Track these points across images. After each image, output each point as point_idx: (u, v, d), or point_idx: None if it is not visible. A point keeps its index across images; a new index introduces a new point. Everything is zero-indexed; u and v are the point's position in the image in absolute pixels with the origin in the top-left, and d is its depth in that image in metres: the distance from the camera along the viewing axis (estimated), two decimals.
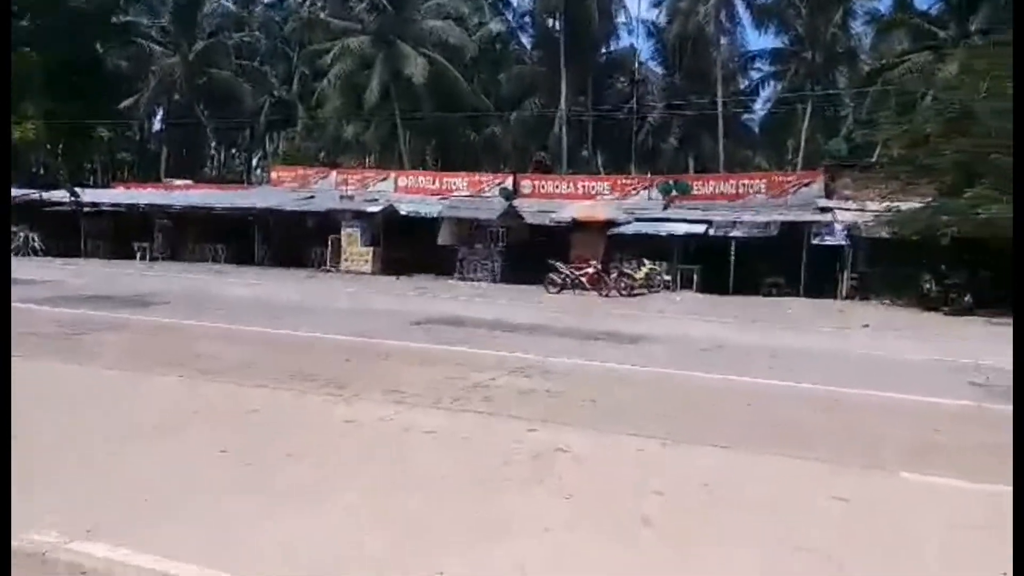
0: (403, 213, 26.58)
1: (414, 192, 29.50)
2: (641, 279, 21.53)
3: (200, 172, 44.68)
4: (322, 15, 40.20)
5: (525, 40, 45.25)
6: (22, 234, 27.52)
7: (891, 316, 17.55)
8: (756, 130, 43.76)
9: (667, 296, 21.26)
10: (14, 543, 3.19)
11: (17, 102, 26.60)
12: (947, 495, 4.69)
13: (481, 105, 38.66)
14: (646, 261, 22.37)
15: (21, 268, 18.81)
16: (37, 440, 4.84)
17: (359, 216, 26.56)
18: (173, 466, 4.64)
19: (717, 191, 26.42)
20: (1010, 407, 7.36)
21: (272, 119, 47.08)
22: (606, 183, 29.19)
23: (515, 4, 45.42)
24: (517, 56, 43.71)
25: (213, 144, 50.87)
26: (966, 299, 18.32)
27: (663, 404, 7.18)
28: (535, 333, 12.03)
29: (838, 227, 22.14)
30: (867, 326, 14.84)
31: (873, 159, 25.64)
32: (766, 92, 41.86)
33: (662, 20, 42.08)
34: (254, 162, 53.42)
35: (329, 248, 26.99)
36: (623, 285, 20.81)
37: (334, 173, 32.25)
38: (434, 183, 30.29)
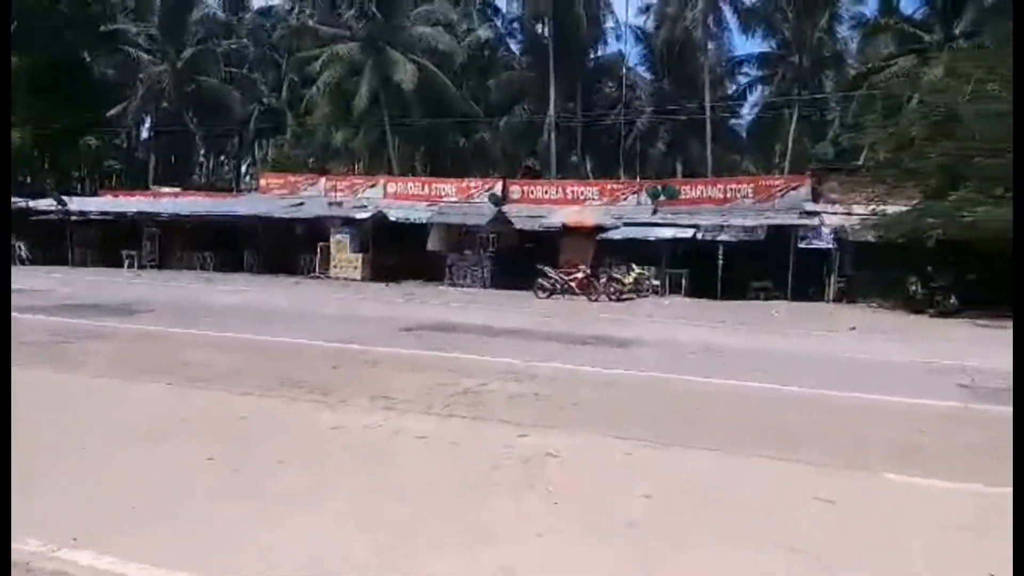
0: (392, 219, 26.56)
1: (403, 198, 29.47)
2: (630, 284, 21.62)
3: (189, 180, 44.46)
4: (311, 22, 40.15)
5: (514, 46, 45.38)
6: None
7: (878, 318, 17.66)
8: (743, 134, 44.01)
9: (656, 300, 21.32)
10: None
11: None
12: (934, 496, 4.73)
13: (470, 111, 38.72)
14: (635, 266, 22.43)
15: None
16: (24, 448, 4.80)
17: (348, 223, 26.51)
18: (161, 473, 4.63)
19: (705, 195, 26.54)
20: (996, 407, 7.46)
21: (261, 126, 46.94)
22: (595, 188, 29.27)
23: (504, 10, 45.61)
24: (506, 62, 43.78)
25: (202, 152, 50.67)
26: (951, 301, 18.46)
27: (651, 408, 7.20)
28: (524, 338, 12.04)
29: (825, 230, 22.28)
30: (854, 329, 14.92)
31: (859, 163, 25.85)
32: (753, 96, 42.22)
33: (650, 25, 42.36)
34: (243, 169, 53.26)
35: (318, 255, 26.92)
36: (612, 290, 20.87)
37: (323, 180, 32.18)
38: (423, 189, 30.27)
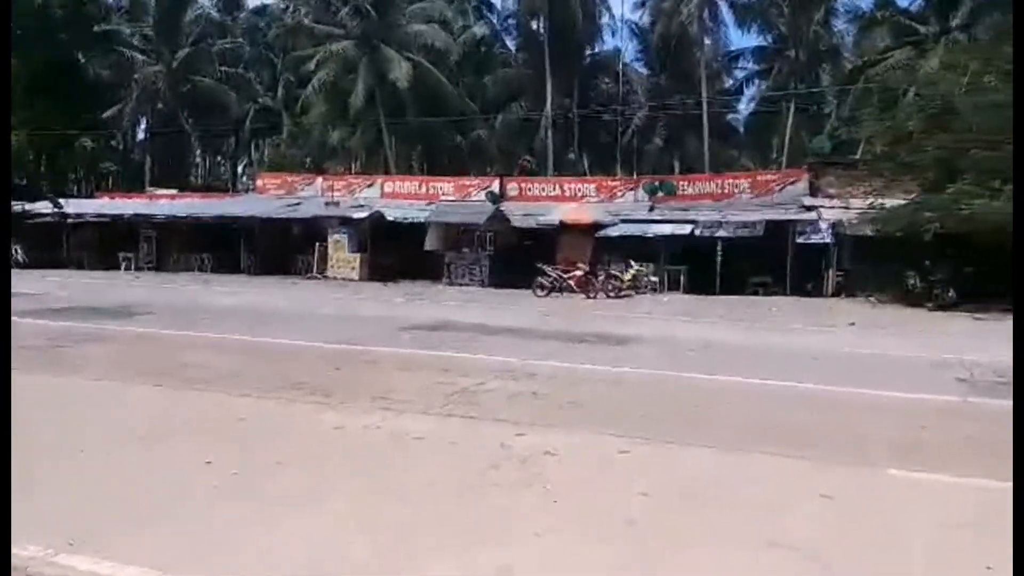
0: (390, 219, 26.54)
1: (400, 197, 29.46)
2: (628, 281, 21.61)
3: (185, 181, 44.43)
4: (306, 21, 40.07)
5: (510, 43, 45.38)
6: None
7: (876, 313, 17.66)
8: (740, 129, 44.08)
9: (654, 297, 21.32)
10: None
11: None
12: (933, 491, 4.72)
13: (466, 109, 38.67)
14: (633, 263, 22.43)
15: None
16: (22, 451, 4.78)
17: (345, 223, 26.49)
18: (160, 476, 4.62)
19: (702, 191, 26.56)
20: (994, 401, 7.46)
21: (257, 126, 46.89)
22: (592, 185, 29.28)
23: (499, 7, 45.58)
24: (502, 59, 43.76)
25: (198, 152, 50.64)
26: (950, 294, 18.47)
27: (650, 405, 7.20)
28: (523, 336, 12.04)
29: (823, 225, 22.28)
30: (853, 324, 14.92)
31: (857, 156, 25.81)
32: (750, 91, 42.25)
33: (645, 21, 42.41)
34: (239, 170, 53.20)
35: (316, 255, 26.89)
36: (610, 287, 20.87)
37: (320, 180, 32.18)
38: (420, 188, 30.27)
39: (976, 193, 17.37)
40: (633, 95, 42.16)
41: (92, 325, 12.06)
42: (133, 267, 28.35)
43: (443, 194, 29.10)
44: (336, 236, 26.50)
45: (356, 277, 25.67)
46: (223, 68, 44.52)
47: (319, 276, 26.26)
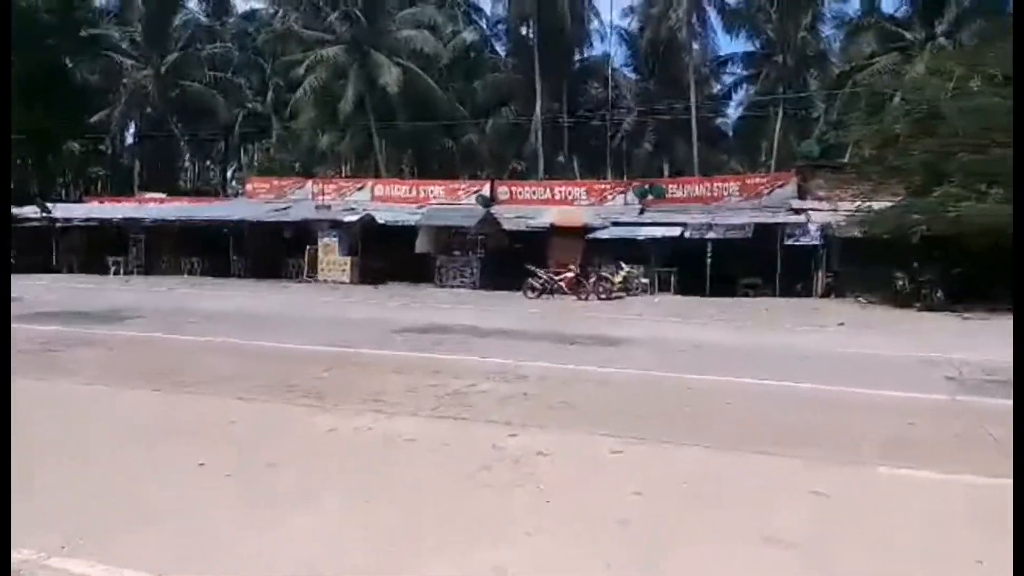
0: (381, 222, 26.48)
1: (391, 201, 29.41)
2: (619, 283, 21.68)
3: (174, 185, 44.18)
4: (295, 26, 39.99)
5: (499, 48, 45.45)
6: None
7: (865, 314, 17.77)
8: (729, 133, 44.26)
9: (645, 299, 21.37)
10: None
11: None
12: (923, 487, 4.77)
13: (456, 113, 38.69)
14: (623, 265, 22.49)
15: None
16: (15, 454, 4.76)
17: (336, 226, 26.42)
18: (153, 479, 4.61)
19: (692, 194, 26.66)
20: (982, 399, 7.54)
21: (246, 131, 46.76)
22: (582, 188, 29.35)
23: (489, 13, 45.65)
24: (492, 64, 43.79)
25: (187, 157, 50.36)
26: (937, 295, 18.60)
27: (641, 406, 7.22)
28: (514, 338, 12.05)
29: (812, 227, 22.42)
30: (842, 324, 15.02)
31: (845, 160, 26.01)
32: (738, 96, 42.46)
33: (634, 26, 42.52)
34: (229, 174, 52.98)
35: (306, 258, 26.81)
36: (601, 289, 20.92)
37: (310, 183, 32.09)
38: (411, 191, 30.23)
39: (962, 196, 17.55)
40: (622, 100, 42.30)
41: (82, 329, 12.00)
42: (122, 271, 28.15)
43: (434, 197, 29.08)
44: (327, 239, 26.42)
45: (347, 280, 25.58)
46: (212, 73, 44.31)
47: (310, 279, 26.17)
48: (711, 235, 22.93)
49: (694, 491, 4.58)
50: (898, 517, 4.18)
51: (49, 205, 29.95)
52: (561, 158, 41.12)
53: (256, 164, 49.38)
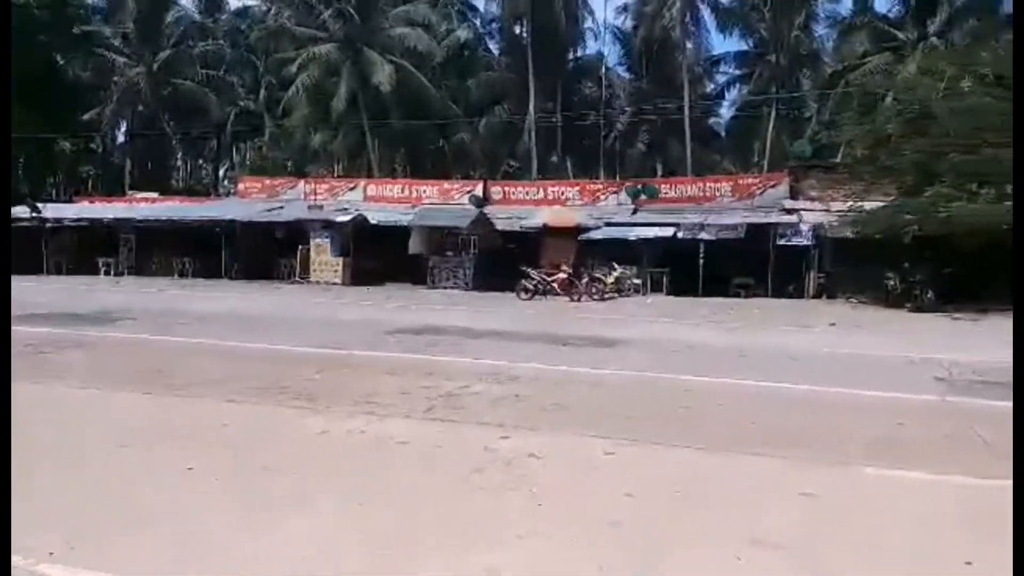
0: (373, 222, 26.44)
1: (384, 201, 29.39)
2: (612, 283, 21.72)
3: (166, 184, 43.98)
4: (288, 23, 39.87)
5: (493, 47, 45.36)
6: None
7: (857, 314, 17.85)
8: (722, 133, 44.36)
9: (638, 300, 21.42)
10: None
11: None
12: (913, 488, 4.79)
13: (450, 112, 38.65)
14: (616, 265, 22.53)
15: None
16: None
17: (328, 226, 26.37)
18: (143, 483, 4.59)
19: (685, 194, 26.72)
20: (972, 400, 7.58)
21: (238, 129, 46.52)
22: (575, 188, 29.37)
23: (482, 11, 45.58)
24: (485, 63, 43.71)
25: (179, 156, 50.14)
26: (928, 296, 18.70)
27: (633, 407, 7.23)
28: (507, 339, 12.06)
29: (804, 227, 22.50)
30: (833, 324, 15.09)
31: (837, 160, 26.08)
32: (731, 95, 42.53)
33: (628, 25, 42.57)
34: (221, 173, 52.77)
35: (298, 259, 26.74)
36: (594, 290, 20.93)
37: (302, 183, 32.03)
38: (404, 191, 30.21)
39: (954, 196, 17.64)
40: (616, 99, 42.35)
41: (73, 331, 11.93)
42: (113, 272, 28.05)
43: (426, 197, 29.06)
44: (319, 240, 26.37)
45: (339, 281, 25.55)
46: (204, 70, 44.11)
47: (302, 280, 26.12)
48: (704, 235, 23.00)
49: (686, 493, 4.58)
50: (887, 518, 4.20)
51: (39, 205, 29.77)
52: (554, 158, 41.14)
53: (248, 162, 49.24)
